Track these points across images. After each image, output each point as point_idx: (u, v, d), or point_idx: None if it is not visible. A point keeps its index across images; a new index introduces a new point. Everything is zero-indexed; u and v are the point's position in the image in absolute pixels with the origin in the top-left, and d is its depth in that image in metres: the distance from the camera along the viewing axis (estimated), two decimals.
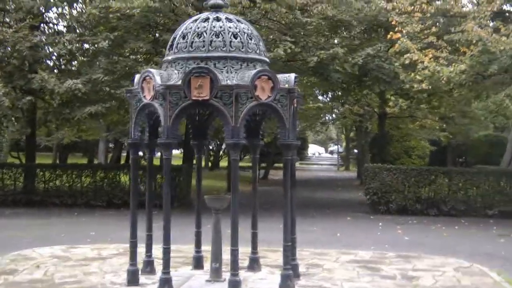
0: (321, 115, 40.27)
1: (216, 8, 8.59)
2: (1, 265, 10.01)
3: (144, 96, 8.22)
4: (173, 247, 11.99)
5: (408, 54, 18.09)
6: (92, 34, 18.38)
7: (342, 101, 34.29)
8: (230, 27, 8.29)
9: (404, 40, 18.20)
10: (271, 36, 19.55)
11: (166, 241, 8.02)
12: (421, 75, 17.95)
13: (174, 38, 8.49)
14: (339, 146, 71.01)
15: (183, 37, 8.34)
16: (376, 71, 20.14)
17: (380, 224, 17.53)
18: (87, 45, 19.18)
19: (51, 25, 20.17)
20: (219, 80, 7.82)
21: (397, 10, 19.01)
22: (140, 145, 8.70)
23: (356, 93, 27.04)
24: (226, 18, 8.42)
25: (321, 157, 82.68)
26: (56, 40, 17.74)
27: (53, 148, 44.66)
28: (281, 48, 18.02)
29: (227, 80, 7.98)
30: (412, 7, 19.14)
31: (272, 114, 8.43)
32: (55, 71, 19.49)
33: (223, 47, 8.16)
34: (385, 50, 20.43)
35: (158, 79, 7.97)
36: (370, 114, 34.77)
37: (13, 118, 20.06)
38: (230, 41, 8.20)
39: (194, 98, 7.84)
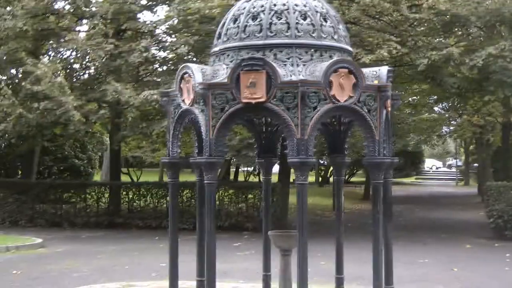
0: (437, 127, 37.17)
1: None
2: None
3: (183, 100, 6.18)
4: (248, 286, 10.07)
5: None
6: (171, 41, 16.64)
7: (460, 111, 31.17)
8: (296, 5, 6.11)
9: None
10: (376, 40, 16.98)
11: None
12: None
13: (224, 23, 6.40)
14: (457, 159, 66.82)
15: (234, 21, 6.25)
16: (499, 73, 17.12)
17: (508, 255, 14.59)
18: (166, 52, 17.50)
19: (128, 33, 18.60)
20: (278, 75, 5.65)
21: None
22: (179, 165, 6.62)
23: (475, 100, 23.93)
24: None
25: (438, 171, 78.34)
26: (132, 47, 16.11)
27: (159, 164, 44.09)
28: (385, 49, 15.55)
29: (291, 76, 5.81)
30: None
31: (356, 121, 6.14)
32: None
33: (286, 32, 6.01)
34: (510, 49, 17.40)
35: (198, 77, 5.90)
36: (492, 125, 31.33)
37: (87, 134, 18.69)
38: (297, 23, 6.03)
39: (245, 100, 5.71)
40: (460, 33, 19.96)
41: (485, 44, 17.83)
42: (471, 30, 19.23)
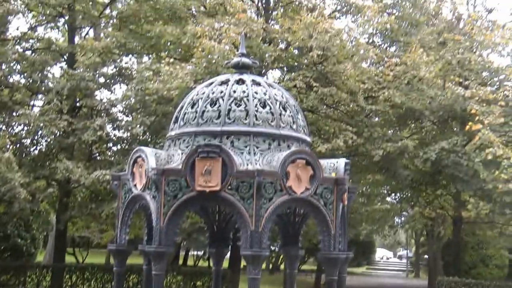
0: (389, 218, 37.27)
1: (241, 68, 6.36)
2: None
3: (135, 185, 5.94)
4: None
5: (491, 149, 15.48)
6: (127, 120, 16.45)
7: (412, 202, 31.38)
8: (256, 92, 6.02)
9: (486, 132, 15.60)
10: (332, 129, 17.14)
11: None
12: (507, 173, 15.16)
13: (182, 107, 6.26)
14: (408, 250, 66.96)
15: (192, 105, 6.12)
16: (451, 168, 17.35)
17: None
18: (121, 131, 17.25)
19: (84, 110, 18.29)
20: (235, 163, 5.48)
21: (476, 98, 16.59)
22: (127, 253, 6.30)
23: (428, 193, 24.09)
24: (253, 81, 6.15)
25: (389, 262, 78.22)
26: (87, 125, 15.81)
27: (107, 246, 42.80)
28: (341, 139, 15.62)
29: (248, 164, 5.64)
30: (494, 95, 16.77)
31: (312, 213, 5.96)
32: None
33: (245, 119, 5.90)
34: (462, 144, 17.73)
35: (151, 161, 5.69)
36: (443, 218, 31.51)
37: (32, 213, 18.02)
38: (256, 111, 5.92)
39: (199, 188, 5.51)
40: (414, 125, 20.33)
41: (438, 138, 18.14)
42: (424, 124, 19.57)
